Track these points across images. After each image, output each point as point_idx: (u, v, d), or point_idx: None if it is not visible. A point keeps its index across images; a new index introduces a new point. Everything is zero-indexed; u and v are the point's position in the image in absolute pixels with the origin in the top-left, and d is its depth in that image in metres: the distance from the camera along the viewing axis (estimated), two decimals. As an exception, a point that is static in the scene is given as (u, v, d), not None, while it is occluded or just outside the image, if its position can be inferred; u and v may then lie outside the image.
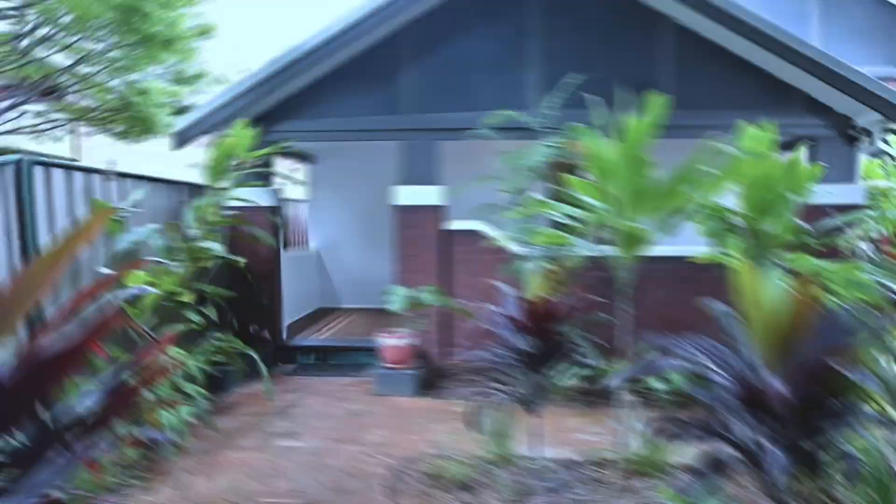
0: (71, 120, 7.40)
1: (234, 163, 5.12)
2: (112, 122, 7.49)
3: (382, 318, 7.99)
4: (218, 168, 4.86)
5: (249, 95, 5.78)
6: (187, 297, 4.83)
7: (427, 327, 5.54)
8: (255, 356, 4.75)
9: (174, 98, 7.95)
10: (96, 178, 4.59)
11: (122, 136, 7.78)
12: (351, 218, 9.04)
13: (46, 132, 7.20)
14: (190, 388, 3.76)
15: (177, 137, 5.86)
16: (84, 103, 7.78)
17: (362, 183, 8.92)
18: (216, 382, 5.12)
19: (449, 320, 6.19)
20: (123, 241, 4.72)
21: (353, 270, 9.07)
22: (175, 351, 4.07)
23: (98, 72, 7.05)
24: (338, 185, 9.02)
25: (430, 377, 5.63)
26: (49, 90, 7.78)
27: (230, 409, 4.79)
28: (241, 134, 4.77)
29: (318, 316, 8.20)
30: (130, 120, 7.35)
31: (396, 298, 5.18)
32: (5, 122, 7.39)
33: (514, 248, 6.09)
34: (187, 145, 5.88)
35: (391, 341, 5.19)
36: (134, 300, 4.71)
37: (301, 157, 8.38)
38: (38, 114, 7.55)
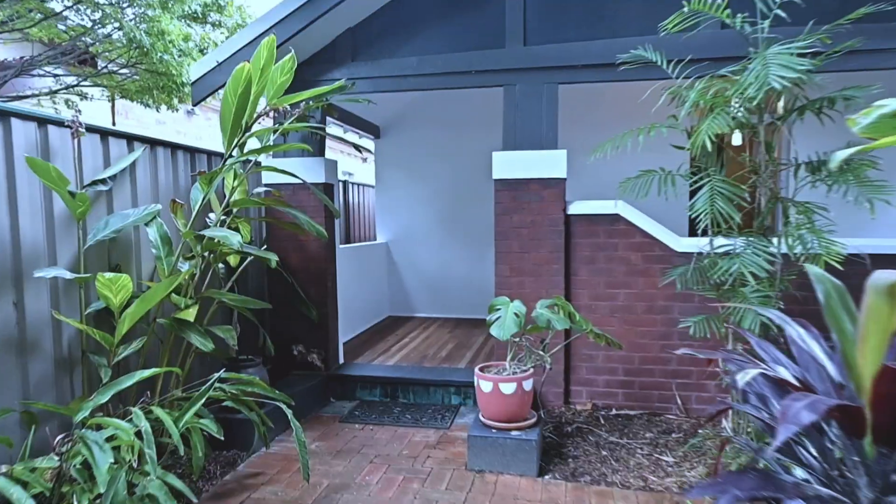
0: (85, 80, 6.07)
1: (264, 112, 3.42)
2: (132, 86, 6.08)
3: (470, 331, 6.29)
4: (236, 117, 3.16)
5: (289, 25, 4.09)
6: (189, 313, 3.18)
7: (547, 361, 3.62)
8: (284, 405, 3.02)
9: (203, 46, 6.45)
10: (58, 132, 3.01)
11: (139, 95, 6.36)
12: (426, 203, 7.24)
13: (65, 96, 5.94)
14: (153, 487, 2.05)
15: (196, 88, 4.26)
16: (113, 68, 6.48)
17: (439, 158, 7.12)
18: (232, 440, 3.46)
19: (569, 346, 4.26)
20: (100, 229, 3.14)
21: (429, 269, 7.28)
22: (141, 412, 2.38)
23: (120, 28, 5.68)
24: (408, 163, 7.24)
25: (553, 438, 3.72)
26: (79, 55, 6.51)
27: (234, 497, 3.08)
28: (268, 58, 3.04)
29: (386, 328, 6.48)
30: (149, 76, 5.89)
31: (505, 318, 3.29)
32: (24, 90, 6.17)
33: (671, 242, 4.09)
34: (209, 97, 4.27)
35: (496, 386, 3.31)
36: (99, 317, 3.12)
37: (361, 125, 6.66)
38: (60, 82, 6.29)
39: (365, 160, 16.54)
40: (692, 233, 6.33)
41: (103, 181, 3.23)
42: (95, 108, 6.92)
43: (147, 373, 2.46)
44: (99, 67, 6.25)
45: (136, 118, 8.10)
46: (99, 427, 2.19)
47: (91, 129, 3.20)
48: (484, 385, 3.35)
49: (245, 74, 3.01)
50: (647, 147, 3.46)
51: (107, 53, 6.15)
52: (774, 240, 3.16)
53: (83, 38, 6.02)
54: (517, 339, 3.52)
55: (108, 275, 2.85)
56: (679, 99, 3.37)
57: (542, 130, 4.18)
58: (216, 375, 2.75)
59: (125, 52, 5.89)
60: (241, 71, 3.00)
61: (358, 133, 6.73)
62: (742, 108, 2.91)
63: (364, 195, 8.15)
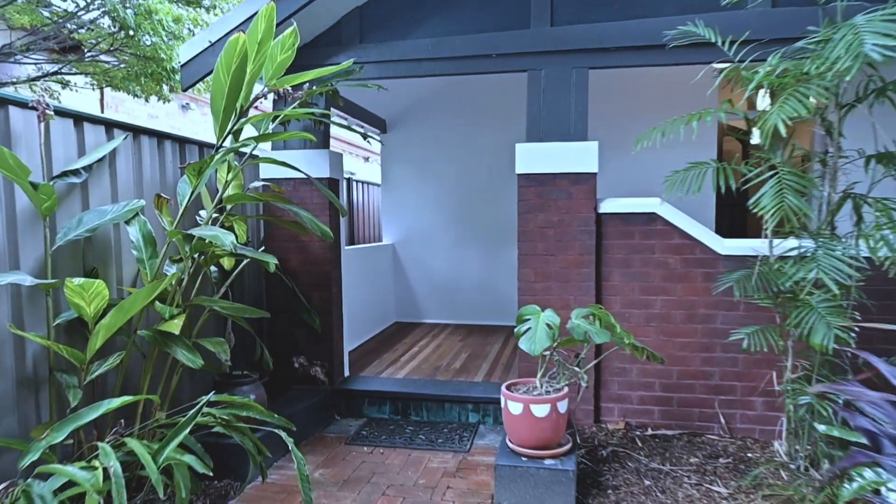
0: (68, 66, 5.63)
1: (262, 95, 3.00)
2: (118, 73, 5.63)
3: (483, 340, 5.86)
4: (230, 98, 2.75)
5: (288, 3, 3.67)
6: (174, 324, 2.75)
7: (583, 378, 3.19)
8: (281, 430, 2.60)
9: (196, 30, 6.01)
10: (21, 115, 2.59)
11: (126, 83, 5.91)
12: (435, 202, 6.82)
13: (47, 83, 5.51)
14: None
15: (185, 71, 3.84)
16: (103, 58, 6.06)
17: (450, 154, 6.70)
18: (224, 468, 3.04)
19: (600, 360, 3.84)
20: (73, 227, 2.72)
21: (438, 273, 6.85)
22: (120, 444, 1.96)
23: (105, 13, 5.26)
24: (416, 159, 6.82)
25: (587, 464, 3.29)
26: (61, 41, 6.08)
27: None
28: (267, 30, 2.63)
29: (394, 336, 6.06)
30: (136, 61, 5.46)
31: (536, 331, 2.87)
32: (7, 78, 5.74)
33: (714, 244, 3.69)
34: (200, 82, 3.85)
35: (527, 407, 2.88)
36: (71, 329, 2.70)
37: (367, 119, 6.25)
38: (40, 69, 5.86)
39: (367, 159, 16.12)
40: (718, 233, 5.92)
41: (76, 172, 2.80)
42: (82, 100, 6.50)
43: (116, 402, 2.03)
44: (84, 54, 5.84)
45: (127, 111, 7.65)
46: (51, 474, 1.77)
47: (62, 112, 2.78)
48: (513, 406, 2.92)
49: (240, 48, 2.58)
50: (657, 145, 3.07)
51: (92, 42, 5.71)
52: (846, 242, 2.76)
53: (67, 25, 5.59)
54: (548, 353, 3.10)
55: (79, 280, 2.43)
56: (734, 81, 2.98)
57: (571, 120, 3.77)
58: (203, 400, 2.33)
59: (110, 37, 5.45)
60: (234, 43, 2.58)
61: (363, 127, 6.32)
62: (820, 89, 2.49)
63: (369, 193, 7.73)
